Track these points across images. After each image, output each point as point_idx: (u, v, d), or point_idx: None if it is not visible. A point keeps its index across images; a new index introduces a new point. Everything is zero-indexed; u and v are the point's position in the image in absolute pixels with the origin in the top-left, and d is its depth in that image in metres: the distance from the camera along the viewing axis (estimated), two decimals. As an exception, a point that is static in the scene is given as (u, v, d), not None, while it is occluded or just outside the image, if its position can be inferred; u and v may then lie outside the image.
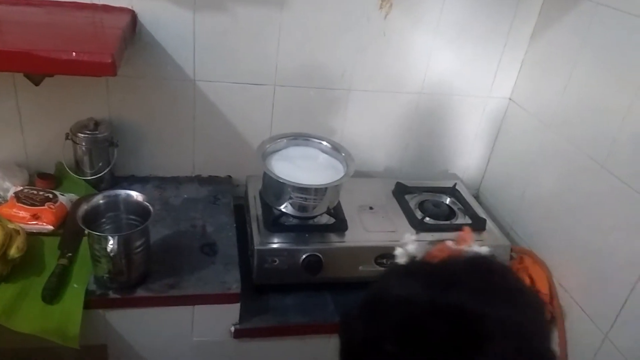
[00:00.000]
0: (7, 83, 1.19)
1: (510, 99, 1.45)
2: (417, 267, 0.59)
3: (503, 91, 1.44)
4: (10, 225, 1.00)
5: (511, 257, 1.27)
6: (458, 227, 1.25)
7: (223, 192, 1.37)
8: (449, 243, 0.70)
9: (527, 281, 1.22)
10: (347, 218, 1.22)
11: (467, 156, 1.53)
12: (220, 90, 1.30)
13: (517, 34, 1.36)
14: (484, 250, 0.68)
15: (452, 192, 1.40)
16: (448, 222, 1.29)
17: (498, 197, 1.49)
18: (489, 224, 1.29)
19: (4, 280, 0.97)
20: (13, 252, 0.96)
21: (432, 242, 0.64)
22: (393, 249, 1.15)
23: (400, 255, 0.72)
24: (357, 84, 1.35)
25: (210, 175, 1.42)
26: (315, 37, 1.27)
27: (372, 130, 1.43)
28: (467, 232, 0.74)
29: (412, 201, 1.35)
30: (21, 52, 0.90)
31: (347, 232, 1.20)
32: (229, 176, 1.43)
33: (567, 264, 1.20)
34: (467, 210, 1.34)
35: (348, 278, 1.18)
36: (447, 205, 1.36)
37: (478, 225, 1.28)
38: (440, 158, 1.53)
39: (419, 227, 1.24)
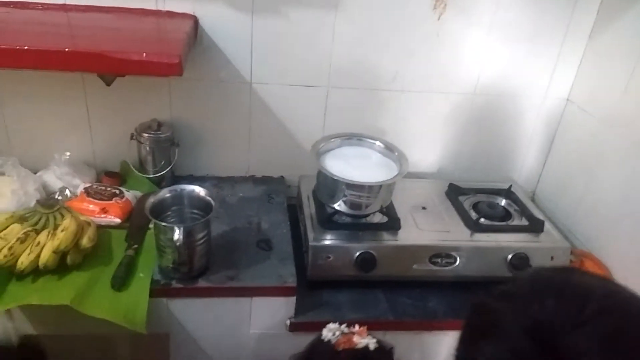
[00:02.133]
0: (78, 87, 1.27)
1: (568, 99, 1.42)
2: None
3: (560, 91, 1.41)
4: (82, 218, 1.07)
5: (570, 260, 1.23)
6: (515, 229, 1.24)
7: (276, 191, 1.40)
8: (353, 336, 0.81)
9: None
10: (400, 217, 1.22)
11: (522, 158, 1.51)
12: (274, 92, 1.34)
13: (575, 32, 1.33)
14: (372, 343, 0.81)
15: (508, 193, 1.38)
16: (504, 223, 1.27)
17: (555, 199, 1.45)
18: (547, 226, 1.26)
19: (76, 268, 1.03)
20: (85, 242, 1.02)
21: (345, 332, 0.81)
22: (448, 248, 1.16)
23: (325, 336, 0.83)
24: (409, 84, 1.36)
25: (264, 176, 1.46)
26: (368, 39, 1.29)
27: (425, 131, 1.43)
28: (362, 331, 0.84)
29: (466, 202, 1.33)
30: (96, 54, 0.96)
31: (400, 231, 1.20)
32: (282, 177, 1.47)
33: (630, 268, 1.15)
34: (524, 211, 1.31)
35: (401, 276, 1.18)
36: (503, 207, 1.34)
37: (536, 227, 1.25)
38: (494, 160, 1.51)
39: (474, 227, 1.23)
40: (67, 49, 0.97)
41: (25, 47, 0.94)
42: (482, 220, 1.25)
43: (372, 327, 1.11)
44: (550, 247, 1.21)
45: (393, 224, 1.20)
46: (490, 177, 1.50)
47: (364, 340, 0.81)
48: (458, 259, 1.17)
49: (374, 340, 0.83)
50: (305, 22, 1.25)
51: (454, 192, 1.35)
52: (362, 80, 1.34)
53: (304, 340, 1.12)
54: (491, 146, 1.48)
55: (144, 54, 0.97)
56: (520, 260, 1.17)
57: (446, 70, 1.35)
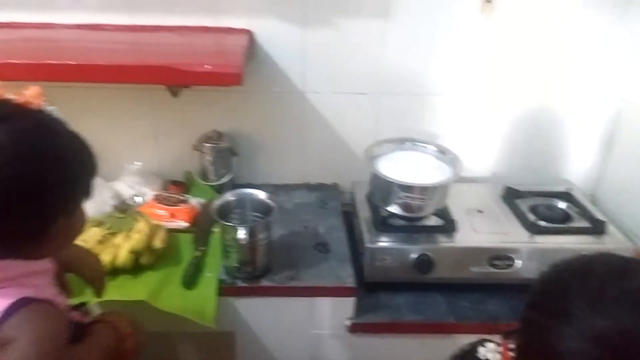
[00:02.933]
0: (145, 102, 1.36)
1: (625, 99, 1.39)
2: None
3: (618, 90, 1.38)
4: (154, 222, 1.13)
5: (637, 262, 1.19)
6: (576, 231, 1.22)
7: (330, 197, 1.44)
8: None
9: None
10: (455, 220, 1.23)
11: (580, 159, 1.47)
12: (326, 100, 1.38)
13: (634, 29, 1.30)
14: None
15: (567, 196, 1.35)
16: (564, 225, 1.25)
17: (617, 200, 1.41)
18: (610, 227, 1.23)
19: (149, 268, 1.09)
20: (157, 243, 1.09)
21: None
22: (507, 250, 1.16)
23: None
24: (460, 88, 1.37)
25: (318, 183, 1.50)
26: (419, 44, 1.31)
27: (478, 135, 1.43)
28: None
29: (523, 205, 1.32)
30: (164, 67, 1.04)
31: (456, 234, 1.20)
32: (335, 183, 1.50)
33: None
34: (584, 213, 1.28)
35: (460, 279, 1.18)
36: (562, 209, 1.31)
37: (597, 228, 1.22)
38: (550, 163, 1.48)
39: (533, 229, 1.21)
40: (138, 64, 1.05)
41: (100, 63, 1.03)
42: (541, 222, 1.23)
43: (432, 329, 1.13)
44: (613, 249, 1.17)
45: (449, 226, 1.21)
46: (546, 180, 1.47)
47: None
48: (517, 261, 1.16)
49: None
50: (356, 31, 1.29)
51: (511, 195, 1.34)
52: (413, 85, 1.36)
53: (363, 341, 1.15)
54: (547, 148, 1.46)
55: (208, 66, 1.04)
56: (584, 262, 1.14)
57: (497, 72, 1.35)
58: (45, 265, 0.68)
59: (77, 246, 0.88)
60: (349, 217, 1.37)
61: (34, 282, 0.65)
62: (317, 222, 1.31)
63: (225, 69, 1.05)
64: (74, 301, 0.84)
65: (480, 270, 1.16)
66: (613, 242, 1.19)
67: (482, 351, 0.78)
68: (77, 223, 0.71)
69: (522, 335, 0.59)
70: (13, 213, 0.59)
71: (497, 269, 1.16)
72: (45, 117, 0.66)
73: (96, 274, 0.88)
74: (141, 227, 1.08)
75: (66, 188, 0.65)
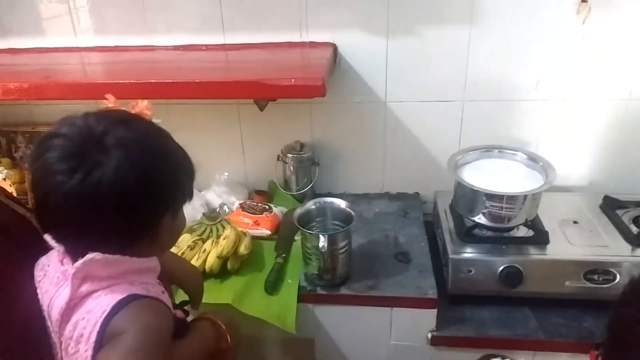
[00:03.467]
0: (233, 116, 1.43)
1: None
2: None
3: None
4: (239, 229, 1.19)
5: None
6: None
7: (412, 207, 1.42)
8: None
9: None
10: (547, 231, 1.16)
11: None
12: (409, 109, 1.37)
13: None
14: None
15: (676, 206, 1.22)
16: (673, 238, 1.13)
17: None
18: None
19: (235, 273, 1.15)
20: (242, 249, 1.14)
21: None
22: (606, 264, 1.07)
23: None
24: (553, 93, 1.29)
25: (398, 192, 1.49)
26: (506, 49, 1.27)
27: (572, 141, 1.34)
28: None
29: (625, 216, 1.21)
30: (253, 82, 1.09)
31: (548, 246, 1.13)
32: (417, 193, 1.48)
33: None
34: (698, 225, 1.15)
35: (552, 293, 1.11)
36: (670, 220, 1.19)
37: None
38: (656, 170, 1.35)
39: (636, 242, 1.11)
40: (229, 80, 1.12)
41: (195, 81, 1.11)
42: (646, 234, 1.13)
43: (521, 346, 1.08)
44: None
45: (540, 237, 1.14)
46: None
47: None
48: (618, 276, 1.06)
49: None
50: (440, 38, 1.27)
51: (610, 205, 1.24)
52: (499, 91, 1.31)
53: (445, 355, 1.11)
54: (651, 155, 1.34)
55: (293, 80, 1.08)
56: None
57: (594, 75, 1.26)
58: (153, 262, 0.72)
59: (183, 260, 0.95)
60: (431, 227, 1.34)
61: (142, 279, 0.69)
62: (398, 232, 1.30)
63: (309, 82, 1.08)
64: (177, 300, 0.89)
65: (575, 284, 1.08)
66: None
67: None
68: (180, 224, 0.76)
69: (611, 331, 0.57)
70: (129, 206, 0.64)
71: (594, 283, 1.08)
72: (155, 125, 0.72)
73: (198, 291, 0.93)
74: (228, 233, 1.14)
75: (175, 188, 0.70)
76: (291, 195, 1.42)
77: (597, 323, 1.07)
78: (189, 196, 0.74)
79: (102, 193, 0.61)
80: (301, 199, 1.42)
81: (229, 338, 0.82)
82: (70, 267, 0.66)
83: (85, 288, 0.66)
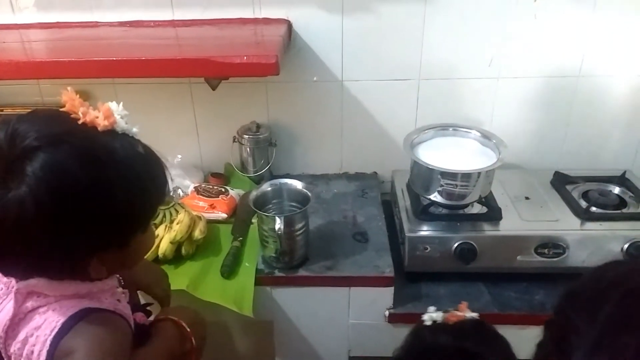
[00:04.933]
0: (186, 97, 1.38)
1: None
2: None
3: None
4: (194, 213, 1.16)
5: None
6: (632, 217, 1.15)
7: (370, 187, 1.42)
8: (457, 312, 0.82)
9: None
10: (501, 207, 1.18)
11: (636, 143, 1.38)
12: (365, 88, 1.36)
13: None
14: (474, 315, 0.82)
15: (621, 180, 1.27)
16: (618, 211, 1.17)
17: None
18: (670, 213, 1.14)
19: (190, 258, 1.12)
20: (197, 234, 1.11)
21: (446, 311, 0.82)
22: (556, 238, 1.10)
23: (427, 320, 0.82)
24: (506, 71, 1.31)
25: (357, 172, 1.48)
26: (460, 27, 1.27)
27: (525, 119, 1.37)
28: (463, 307, 0.83)
29: (575, 191, 1.25)
30: (203, 59, 1.05)
31: (501, 221, 1.15)
32: (375, 172, 1.48)
33: None
34: (641, 198, 1.20)
35: (505, 268, 1.13)
36: (616, 194, 1.24)
37: (657, 214, 1.14)
38: (603, 147, 1.40)
39: (585, 216, 1.15)
40: (178, 57, 1.07)
41: (141, 58, 1.06)
42: (593, 208, 1.16)
43: (474, 319, 1.09)
44: (675, 234, 1.09)
45: (494, 214, 1.16)
46: (599, 166, 1.39)
47: (470, 314, 0.82)
48: (567, 250, 1.10)
49: (476, 314, 0.83)
50: (395, 16, 1.26)
51: (561, 181, 1.28)
52: (454, 70, 1.32)
53: (403, 331, 1.12)
54: (600, 131, 1.38)
55: (245, 57, 1.04)
56: (638, 250, 1.07)
57: (546, 53, 1.28)
58: (106, 286, 0.67)
59: (148, 265, 0.90)
60: (389, 206, 1.35)
61: (97, 296, 0.65)
62: (356, 212, 1.30)
63: (262, 59, 1.05)
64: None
65: (526, 259, 1.11)
66: (674, 229, 1.11)
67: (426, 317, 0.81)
68: (144, 245, 0.70)
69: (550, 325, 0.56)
70: (56, 235, 0.56)
71: (545, 257, 1.11)
72: (101, 141, 0.60)
73: (165, 296, 0.89)
74: (181, 218, 1.11)
75: (125, 215, 0.61)
76: (248, 177, 1.40)
77: (547, 295, 1.11)
78: (151, 214, 0.66)
79: (22, 223, 0.54)
80: (259, 181, 1.39)
81: (193, 340, 0.78)
82: (14, 281, 0.61)
83: (30, 304, 0.61)
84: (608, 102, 1.33)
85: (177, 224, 1.10)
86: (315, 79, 1.34)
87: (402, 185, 1.31)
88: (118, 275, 0.74)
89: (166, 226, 1.11)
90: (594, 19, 1.23)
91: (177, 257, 1.11)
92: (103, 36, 1.26)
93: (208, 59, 1.05)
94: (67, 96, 0.61)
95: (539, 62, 1.29)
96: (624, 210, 1.18)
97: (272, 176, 1.44)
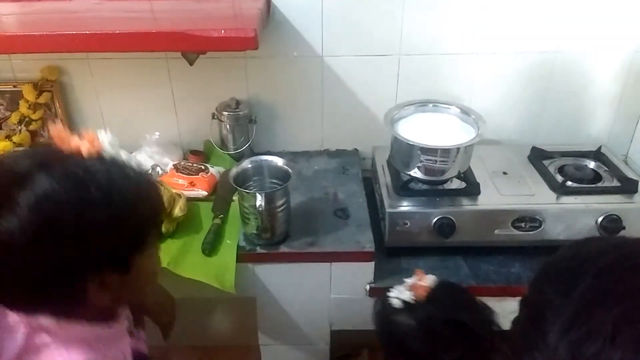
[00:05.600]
0: (163, 72, 1.35)
1: (665, 50, 1.30)
2: None
3: (656, 42, 1.30)
4: (173, 191, 1.15)
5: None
6: (606, 190, 1.17)
7: (351, 163, 1.42)
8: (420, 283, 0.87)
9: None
10: (479, 182, 1.20)
11: (612, 119, 1.40)
12: (346, 64, 1.35)
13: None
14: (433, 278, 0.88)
15: (597, 155, 1.29)
16: (593, 185, 1.20)
17: (652, 160, 1.34)
18: (643, 186, 1.18)
19: (170, 236, 1.11)
20: (177, 212, 1.10)
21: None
22: (532, 212, 1.12)
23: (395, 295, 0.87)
24: (485, 46, 1.31)
25: (338, 149, 1.48)
26: (440, 3, 1.26)
27: (504, 94, 1.38)
28: (420, 274, 0.88)
29: (551, 166, 1.27)
30: (179, 33, 1.03)
31: (480, 196, 1.17)
32: (356, 149, 1.48)
33: None
34: (615, 173, 1.23)
35: (483, 242, 1.16)
36: (591, 169, 1.26)
37: (629, 187, 1.17)
38: (580, 122, 1.42)
39: (560, 190, 1.17)
40: (153, 31, 1.04)
41: (117, 32, 1.03)
42: (569, 182, 1.19)
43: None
44: (646, 208, 1.13)
45: (472, 189, 1.18)
46: (576, 141, 1.41)
47: (430, 278, 0.86)
48: (543, 223, 1.12)
49: (434, 277, 0.87)
50: (375, -10, 1.25)
51: (537, 156, 1.30)
52: (434, 45, 1.31)
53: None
54: (577, 107, 1.40)
55: (222, 31, 1.02)
56: (612, 223, 1.10)
57: (525, 28, 1.28)
58: (114, 330, 0.67)
59: (157, 289, 0.90)
60: (370, 183, 1.36)
61: (106, 344, 0.65)
62: (337, 188, 1.30)
63: (240, 33, 1.03)
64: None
65: (504, 232, 1.14)
66: (646, 202, 1.14)
67: (392, 296, 0.86)
68: (147, 272, 0.68)
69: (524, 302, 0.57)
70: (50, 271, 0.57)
71: (521, 231, 1.13)
72: (94, 163, 0.60)
73: (169, 323, 0.89)
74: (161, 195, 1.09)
75: (123, 227, 0.61)
76: (228, 154, 1.38)
77: (524, 268, 1.14)
78: (144, 235, 0.64)
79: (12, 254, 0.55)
80: (239, 158, 1.38)
81: None
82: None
83: (38, 340, 0.61)
84: (585, 78, 1.35)
85: (157, 202, 1.08)
86: (295, 54, 1.33)
87: (382, 161, 1.32)
88: (129, 316, 0.73)
89: (145, 204, 1.10)
90: (572, -6, 1.24)
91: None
92: (75, 9, 1.22)
93: (185, 32, 1.02)
94: (55, 131, 0.61)
95: (518, 38, 1.30)
96: (599, 184, 1.20)
97: (253, 153, 1.42)
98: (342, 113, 1.42)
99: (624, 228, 1.11)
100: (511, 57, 1.32)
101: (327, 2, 1.26)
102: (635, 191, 1.16)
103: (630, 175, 1.21)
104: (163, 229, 1.10)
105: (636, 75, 1.33)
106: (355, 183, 1.33)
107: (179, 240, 1.10)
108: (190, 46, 1.08)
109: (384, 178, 1.26)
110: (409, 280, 0.89)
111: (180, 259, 1.05)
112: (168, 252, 1.06)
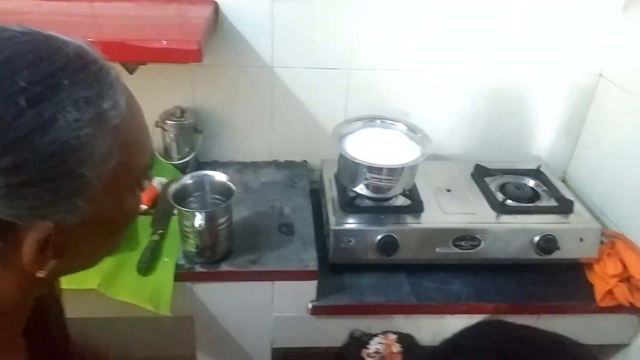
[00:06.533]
0: (105, 76, 1.29)
1: (600, 74, 1.36)
2: None
3: (592, 66, 1.35)
4: (110, 204, 1.10)
5: (601, 242, 1.19)
6: (543, 210, 1.21)
7: (299, 176, 1.40)
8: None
9: (619, 267, 1.14)
10: (423, 200, 1.21)
11: (553, 137, 1.45)
12: (296, 76, 1.33)
13: (608, 2, 1.26)
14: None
15: (536, 174, 1.34)
16: (532, 204, 1.24)
17: (587, 179, 1.40)
18: (578, 206, 1.22)
19: (105, 253, 1.06)
20: (112, 227, 1.05)
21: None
22: (472, 231, 1.14)
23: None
24: (434, 64, 1.32)
25: (286, 160, 1.46)
26: (390, 20, 1.26)
27: (450, 112, 1.40)
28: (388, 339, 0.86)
29: (493, 184, 1.30)
30: (117, 42, 0.98)
31: (423, 214, 1.18)
32: (305, 161, 1.47)
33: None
34: (553, 192, 1.27)
35: (424, 259, 1.17)
36: (531, 187, 1.30)
37: (565, 207, 1.21)
38: (522, 140, 1.46)
39: (500, 209, 1.20)
40: (89, 39, 0.99)
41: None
42: (509, 201, 1.22)
43: (394, 310, 1.13)
44: (579, 228, 1.17)
45: (416, 206, 1.19)
46: (519, 158, 1.45)
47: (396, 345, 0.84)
48: (483, 242, 1.15)
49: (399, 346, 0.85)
50: (326, 3, 1.23)
51: (480, 174, 1.32)
52: (385, 60, 1.32)
53: (325, 322, 1.14)
54: (519, 125, 1.44)
55: (164, 42, 0.98)
56: (548, 242, 1.14)
57: (472, 48, 1.31)
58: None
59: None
60: (318, 195, 1.35)
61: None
62: (283, 202, 1.29)
63: (183, 45, 0.99)
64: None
65: (445, 250, 1.15)
66: (579, 222, 1.19)
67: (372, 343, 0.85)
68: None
69: None
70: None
71: (462, 249, 1.15)
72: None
73: None
74: (95, 211, 1.04)
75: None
76: (172, 164, 1.34)
77: (463, 286, 1.16)
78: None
79: None
80: (184, 169, 1.34)
81: None
82: None
83: None
84: (528, 97, 1.39)
85: (91, 217, 1.03)
86: (244, 64, 1.30)
87: (330, 175, 1.31)
88: None
89: (79, 219, 1.05)
90: (514, 14, 1.27)
91: (90, 252, 1.05)
92: (12, 10, 1.14)
93: (123, 42, 0.98)
94: None
95: (465, 57, 1.32)
96: (537, 204, 1.24)
97: (199, 163, 1.39)
98: (291, 124, 1.41)
99: (558, 248, 1.14)
100: (458, 75, 1.35)
101: (277, 13, 1.24)
102: (571, 211, 1.20)
103: (567, 194, 1.26)
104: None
105: (576, 95, 1.38)
106: (302, 197, 1.31)
107: (113, 259, 1.05)
108: (129, 56, 1.04)
109: (331, 193, 1.25)
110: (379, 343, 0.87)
111: (113, 279, 1.00)
112: (101, 271, 1.01)
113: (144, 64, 1.14)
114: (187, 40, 1.00)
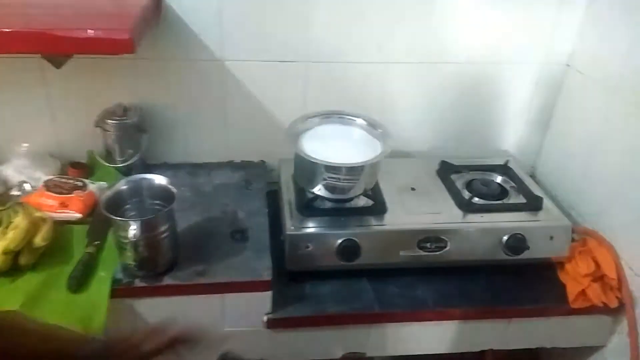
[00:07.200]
0: (35, 72, 1.18)
1: (568, 64, 1.30)
2: None
3: (559, 56, 1.30)
4: (37, 214, 0.98)
5: (573, 239, 1.13)
6: (511, 207, 1.15)
7: (256, 177, 1.31)
8: None
9: (592, 266, 1.08)
10: (386, 200, 1.13)
11: (521, 130, 1.40)
12: (250, 69, 1.24)
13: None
14: None
15: (504, 169, 1.28)
16: (500, 202, 1.17)
17: (556, 174, 1.35)
18: (547, 203, 1.16)
19: (31, 269, 0.95)
20: (38, 240, 0.94)
21: None
22: (437, 232, 1.07)
23: None
24: (395, 56, 1.25)
25: (243, 161, 1.37)
26: (349, 7, 1.18)
27: (413, 106, 1.33)
28: None
29: (459, 181, 1.24)
30: (36, 32, 0.87)
31: (386, 215, 1.11)
32: (263, 161, 1.37)
33: (637, 245, 1.05)
34: (521, 188, 1.21)
35: (388, 264, 1.09)
36: (498, 184, 1.24)
37: (533, 204, 1.15)
38: (489, 134, 1.40)
39: (467, 208, 1.13)
40: (3, 29, 0.87)
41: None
42: (476, 199, 1.15)
43: (357, 320, 1.05)
44: (549, 226, 1.11)
45: (378, 207, 1.11)
46: (486, 153, 1.39)
47: None
48: (449, 243, 1.08)
49: None
50: (278, -10, 1.15)
51: (446, 170, 1.26)
52: (343, 53, 1.24)
53: (283, 336, 1.06)
54: (486, 119, 1.38)
55: (91, 31, 0.88)
56: (517, 242, 1.08)
57: (435, 39, 1.24)
58: None
59: None
60: (276, 197, 1.26)
61: None
62: (237, 206, 1.19)
63: (112, 34, 0.89)
64: None
65: (409, 254, 1.08)
66: (549, 220, 1.13)
67: None
68: None
69: None
70: None
71: (427, 251, 1.08)
72: None
73: None
74: (18, 222, 0.93)
75: None
76: (115, 167, 1.23)
77: (428, 290, 1.09)
78: None
79: None
80: (128, 172, 1.23)
81: None
82: None
83: None
84: (495, 90, 1.33)
85: (13, 229, 0.92)
86: (191, 57, 1.20)
87: (288, 176, 1.22)
88: None
89: (1, 232, 0.93)
90: (480, 7, 1.20)
91: (15, 268, 0.93)
92: None
93: (44, 32, 0.87)
94: None
95: (428, 48, 1.25)
96: (505, 201, 1.18)
97: (145, 165, 1.29)
98: (247, 122, 1.31)
99: (528, 248, 1.08)
100: (422, 67, 1.27)
101: (225, 2, 1.15)
102: (540, 208, 1.14)
103: (536, 190, 1.20)
104: (21, 261, 0.94)
105: (544, 87, 1.33)
106: (258, 200, 1.22)
107: (40, 274, 0.94)
108: (52, 48, 0.92)
109: (288, 195, 1.17)
110: None
111: (39, 297, 0.89)
112: (25, 290, 0.90)
113: (70, 56, 1.03)
114: (117, 30, 0.89)
